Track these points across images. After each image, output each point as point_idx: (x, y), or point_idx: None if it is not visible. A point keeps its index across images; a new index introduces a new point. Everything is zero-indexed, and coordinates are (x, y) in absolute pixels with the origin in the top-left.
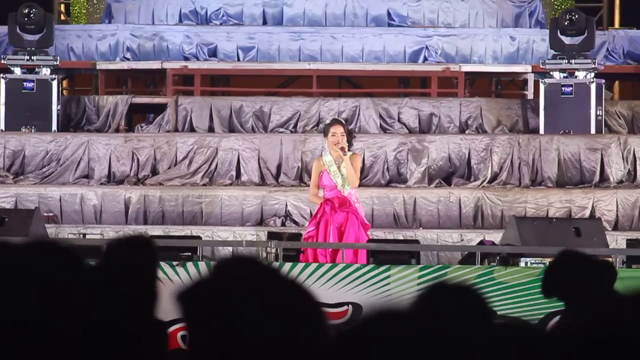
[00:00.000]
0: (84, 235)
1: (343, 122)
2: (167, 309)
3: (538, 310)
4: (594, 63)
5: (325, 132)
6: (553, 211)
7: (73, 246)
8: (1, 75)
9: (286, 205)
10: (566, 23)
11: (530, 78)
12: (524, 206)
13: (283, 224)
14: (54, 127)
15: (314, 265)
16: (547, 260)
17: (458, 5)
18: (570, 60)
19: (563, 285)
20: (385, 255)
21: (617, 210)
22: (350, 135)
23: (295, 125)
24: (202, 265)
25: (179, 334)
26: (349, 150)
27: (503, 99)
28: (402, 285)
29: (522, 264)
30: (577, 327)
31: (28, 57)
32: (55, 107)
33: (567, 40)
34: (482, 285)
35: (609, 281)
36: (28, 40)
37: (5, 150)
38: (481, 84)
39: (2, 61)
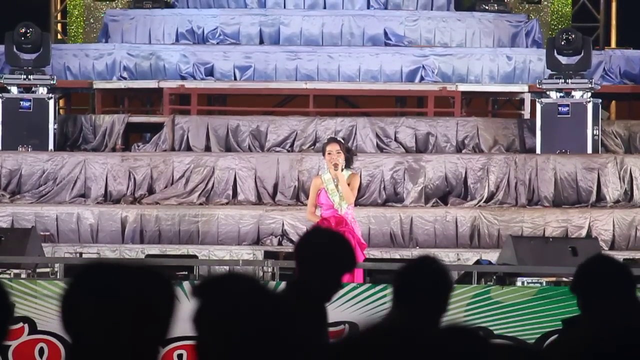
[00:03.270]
0: (81, 254)
1: (340, 140)
2: None
3: (535, 329)
4: (591, 83)
5: (323, 151)
6: (550, 231)
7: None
8: None
9: (283, 224)
10: (563, 43)
11: (527, 98)
12: (520, 226)
13: (280, 243)
14: (51, 146)
15: None
16: (544, 280)
17: (455, 25)
18: (567, 80)
19: (591, 283)
20: (381, 275)
21: (613, 230)
22: (349, 153)
23: (292, 145)
24: None
25: (175, 353)
26: (349, 168)
27: (500, 118)
28: None
29: (519, 284)
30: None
31: (25, 77)
32: (52, 126)
33: (563, 60)
34: (478, 304)
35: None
36: (25, 60)
37: (2, 169)
38: (478, 104)
39: None
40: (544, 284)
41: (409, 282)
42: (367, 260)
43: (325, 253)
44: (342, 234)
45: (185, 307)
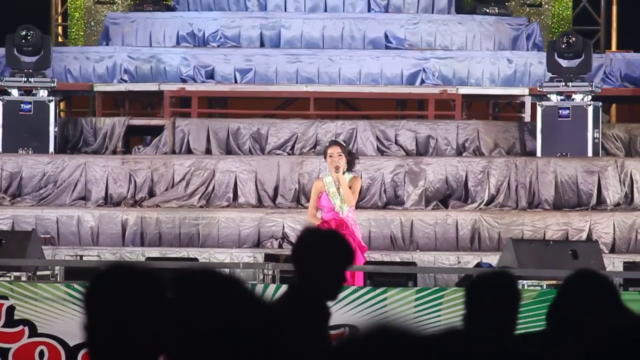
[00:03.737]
0: (81, 257)
1: (341, 142)
2: None
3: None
4: (591, 86)
5: (324, 154)
6: (550, 233)
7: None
8: None
9: (283, 227)
10: (563, 46)
11: (528, 101)
12: (521, 228)
13: (280, 246)
14: (51, 148)
15: None
16: (545, 283)
17: (455, 28)
18: (568, 83)
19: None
20: (382, 277)
21: (614, 233)
22: (351, 156)
23: (293, 147)
24: None
25: None
26: (351, 171)
27: (500, 121)
28: (399, 307)
29: (519, 287)
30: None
31: (25, 79)
32: (52, 129)
33: (564, 63)
34: None
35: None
36: (25, 62)
37: (2, 172)
38: (478, 107)
39: (0, 83)
40: (545, 287)
41: (481, 298)
42: (367, 263)
43: (322, 251)
44: (336, 230)
45: None
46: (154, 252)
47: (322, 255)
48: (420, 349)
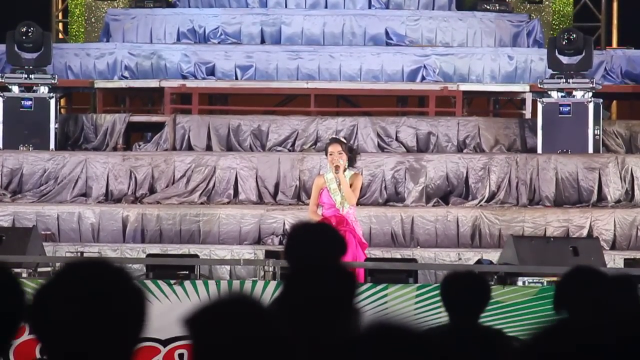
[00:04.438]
0: (82, 253)
1: (341, 140)
2: (164, 326)
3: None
4: (592, 82)
5: (325, 151)
6: (551, 230)
7: None
8: None
9: (284, 223)
10: (564, 42)
11: (528, 97)
12: (521, 225)
13: (281, 243)
14: (52, 145)
15: None
16: (545, 280)
17: (456, 25)
18: (568, 80)
19: (574, 300)
20: (382, 274)
21: (614, 230)
22: (352, 153)
23: (293, 144)
24: (200, 283)
25: (177, 352)
26: (352, 167)
27: (501, 118)
28: (400, 304)
29: (520, 283)
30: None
31: (26, 76)
32: (53, 126)
33: (565, 59)
34: None
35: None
36: (26, 59)
37: (3, 168)
38: (479, 103)
39: (0, 79)
40: (545, 283)
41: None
42: (368, 259)
43: (313, 245)
44: (325, 222)
45: (186, 307)
46: (155, 249)
47: (313, 249)
48: (420, 345)
